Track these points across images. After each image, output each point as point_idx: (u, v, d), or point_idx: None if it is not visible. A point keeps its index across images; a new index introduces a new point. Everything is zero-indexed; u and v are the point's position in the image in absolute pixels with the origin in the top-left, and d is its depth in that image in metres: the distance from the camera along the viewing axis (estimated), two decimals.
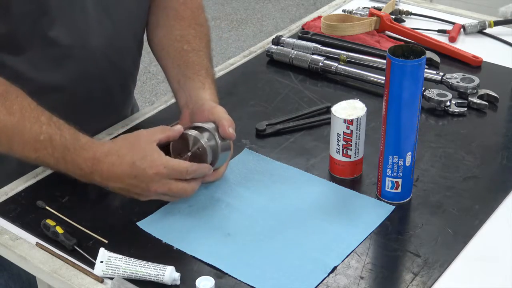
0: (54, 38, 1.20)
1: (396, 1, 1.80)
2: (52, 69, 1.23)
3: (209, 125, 1.15)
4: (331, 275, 1.01)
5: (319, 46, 1.59)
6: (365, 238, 1.08)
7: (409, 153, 1.12)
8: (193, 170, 1.09)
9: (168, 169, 1.08)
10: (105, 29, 1.26)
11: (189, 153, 1.12)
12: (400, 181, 1.13)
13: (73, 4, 1.20)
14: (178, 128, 1.12)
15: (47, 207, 1.14)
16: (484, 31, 1.70)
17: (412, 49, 1.07)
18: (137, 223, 1.11)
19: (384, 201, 1.15)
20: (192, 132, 1.12)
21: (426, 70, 1.43)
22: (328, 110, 1.35)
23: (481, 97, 1.41)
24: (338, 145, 1.19)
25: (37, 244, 1.07)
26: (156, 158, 1.08)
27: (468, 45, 1.63)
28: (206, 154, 1.11)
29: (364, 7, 1.77)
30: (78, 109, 1.29)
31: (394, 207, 1.14)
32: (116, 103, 1.39)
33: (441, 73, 1.46)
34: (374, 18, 1.67)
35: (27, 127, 1.09)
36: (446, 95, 1.40)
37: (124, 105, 1.44)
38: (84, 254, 1.04)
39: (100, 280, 1.00)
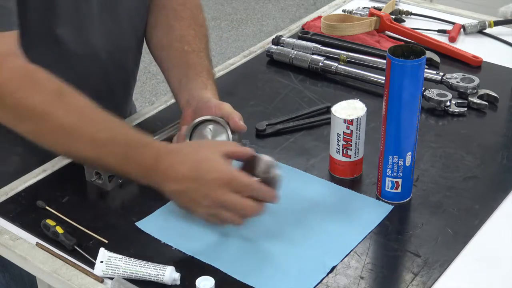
0: (60, 36, 1.20)
1: (396, 1, 1.80)
2: (55, 66, 1.23)
3: (220, 119, 1.15)
4: (331, 275, 1.01)
5: (319, 46, 1.59)
6: (365, 238, 1.08)
7: (409, 153, 1.12)
8: (257, 187, 1.03)
9: (231, 176, 1.02)
10: (108, 27, 1.26)
11: (258, 178, 1.04)
12: (400, 181, 1.13)
13: (78, 2, 1.20)
14: (250, 149, 1.07)
15: (47, 207, 1.14)
16: (484, 31, 1.70)
17: (412, 49, 1.07)
18: (135, 223, 1.11)
19: (384, 201, 1.15)
20: (266, 158, 1.05)
21: (426, 70, 1.43)
22: (328, 110, 1.35)
23: (481, 97, 1.41)
24: (338, 145, 1.19)
25: (37, 244, 1.07)
26: (221, 163, 1.03)
27: (468, 45, 1.63)
28: (276, 182, 1.04)
29: (364, 7, 1.77)
30: None
31: (393, 206, 1.14)
32: (117, 101, 1.39)
33: (441, 73, 1.46)
34: (374, 18, 1.67)
35: (87, 125, 1.06)
36: (446, 95, 1.40)
37: (125, 104, 1.44)
38: (84, 254, 1.04)
39: (100, 280, 1.00)
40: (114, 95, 1.37)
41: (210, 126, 1.17)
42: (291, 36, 1.67)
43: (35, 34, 1.18)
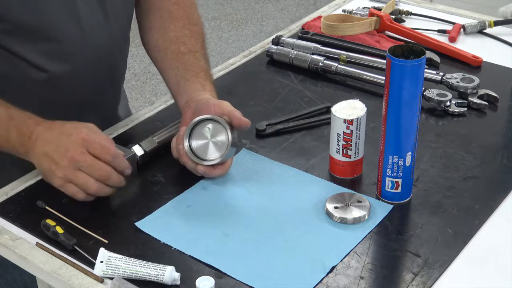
0: (46, 34, 1.19)
1: (396, 1, 1.80)
2: (42, 63, 1.23)
3: (219, 118, 1.16)
4: (331, 275, 1.01)
5: (319, 46, 1.59)
6: (364, 238, 1.08)
7: (409, 153, 1.12)
8: (114, 154, 1.10)
9: (89, 137, 1.09)
10: (93, 22, 1.26)
11: None
12: (400, 181, 1.13)
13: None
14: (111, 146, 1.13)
15: (47, 207, 1.14)
16: (484, 31, 1.70)
17: (412, 49, 1.07)
18: (135, 223, 1.11)
19: (384, 201, 1.15)
20: None
21: (426, 70, 1.43)
22: (328, 110, 1.35)
23: (481, 97, 1.41)
24: (338, 145, 1.19)
25: (37, 244, 1.07)
26: (83, 127, 1.11)
27: (468, 45, 1.63)
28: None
29: (364, 7, 1.77)
30: (66, 105, 1.29)
31: (392, 206, 1.14)
32: (106, 101, 1.39)
33: (441, 73, 1.46)
34: (374, 18, 1.67)
35: None
36: (446, 95, 1.40)
37: (115, 104, 1.44)
38: (84, 254, 1.04)
39: (100, 280, 1.00)
40: (103, 95, 1.36)
41: (209, 125, 1.17)
42: (291, 36, 1.67)
43: (20, 31, 1.18)
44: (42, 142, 1.11)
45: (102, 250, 1.01)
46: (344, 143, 1.19)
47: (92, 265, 1.02)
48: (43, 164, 1.12)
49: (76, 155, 1.09)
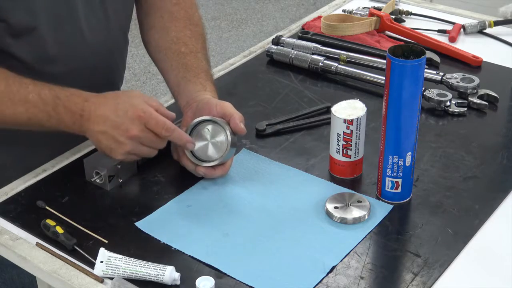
0: (40, 34, 1.19)
1: (396, 1, 1.80)
2: (39, 63, 1.23)
3: (219, 120, 1.16)
4: (331, 275, 1.01)
5: (319, 46, 1.59)
6: (364, 238, 1.08)
7: (409, 153, 1.12)
8: (170, 128, 1.12)
9: (146, 114, 1.11)
10: (93, 22, 1.25)
11: None
12: (400, 181, 1.13)
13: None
14: (172, 115, 1.16)
15: (47, 207, 1.14)
16: (484, 31, 1.70)
17: (412, 49, 1.07)
18: (135, 223, 1.11)
19: (384, 201, 1.15)
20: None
21: (426, 70, 1.43)
22: (328, 110, 1.35)
23: (481, 97, 1.41)
24: (338, 145, 1.19)
25: (37, 244, 1.07)
26: (139, 103, 1.12)
27: (468, 45, 1.63)
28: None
29: (364, 7, 1.77)
30: None
31: (392, 206, 1.14)
32: None
33: (441, 73, 1.46)
34: (374, 18, 1.67)
35: (14, 90, 1.12)
36: (446, 95, 1.40)
37: None
38: (84, 254, 1.04)
39: (100, 280, 1.00)
40: (99, 91, 1.36)
41: (209, 127, 1.17)
42: (291, 36, 1.67)
43: (16, 30, 1.18)
44: (97, 119, 1.12)
45: (102, 250, 1.01)
46: (344, 143, 1.19)
47: (92, 265, 1.02)
48: (102, 141, 1.12)
49: (138, 132, 1.11)
